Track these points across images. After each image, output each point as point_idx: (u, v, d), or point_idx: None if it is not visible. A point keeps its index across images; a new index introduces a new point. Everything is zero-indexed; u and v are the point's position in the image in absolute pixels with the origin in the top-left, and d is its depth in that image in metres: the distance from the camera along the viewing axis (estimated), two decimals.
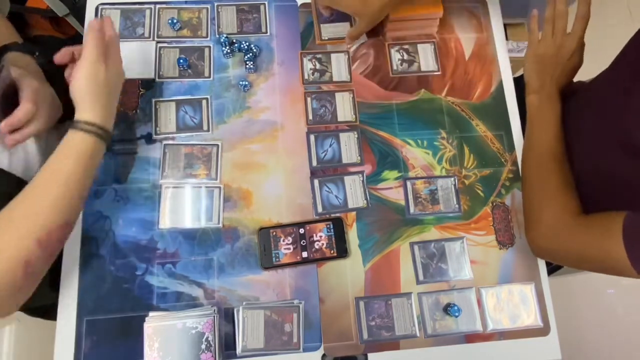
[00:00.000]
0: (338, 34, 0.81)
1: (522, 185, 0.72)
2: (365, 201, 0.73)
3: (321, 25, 0.81)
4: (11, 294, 0.53)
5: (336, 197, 0.72)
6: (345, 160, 0.74)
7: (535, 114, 0.73)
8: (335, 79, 0.78)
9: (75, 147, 0.58)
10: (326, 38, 0.80)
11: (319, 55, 0.80)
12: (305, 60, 0.79)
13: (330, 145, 0.75)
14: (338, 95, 0.77)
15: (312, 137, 0.75)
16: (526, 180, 0.71)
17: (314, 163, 0.74)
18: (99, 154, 0.60)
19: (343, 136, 0.76)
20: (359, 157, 0.75)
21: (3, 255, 0.51)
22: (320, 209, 0.72)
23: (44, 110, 0.63)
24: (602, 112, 0.67)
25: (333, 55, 0.80)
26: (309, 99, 0.77)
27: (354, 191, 0.73)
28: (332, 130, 0.76)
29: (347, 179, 0.73)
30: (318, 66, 0.79)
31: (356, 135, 0.76)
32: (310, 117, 0.76)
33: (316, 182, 0.73)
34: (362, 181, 0.73)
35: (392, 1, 0.70)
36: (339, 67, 0.79)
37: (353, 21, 0.80)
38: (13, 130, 0.60)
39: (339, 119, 0.76)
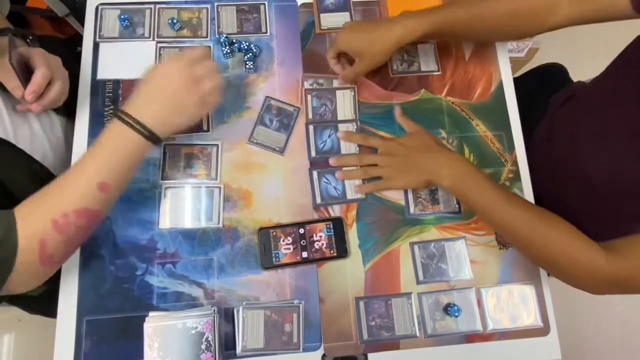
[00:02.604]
0: (338, 23, 0.81)
1: (528, 253, 0.65)
2: (364, 194, 0.73)
3: (321, 15, 0.81)
4: (28, 272, 0.54)
5: (335, 188, 0.73)
6: (344, 151, 0.75)
7: (487, 199, 0.65)
8: (340, 117, 0.77)
9: (109, 134, 0.57)
10: (325, 27, 0.81)
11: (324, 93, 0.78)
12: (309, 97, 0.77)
13: (329, 136, 0.75)
14: (339, 93, 0.77)
15: (310, 128, 0.75)
16: (529, 247, 0.64)
17: (313, 154, 0.74)
18: (133, 149, 0.58)
19: (342, 127, 0.76)
20: (357, 149, 0.75)
21: (22, 231, 0.52)
22: (318, 200, 0.72)
23: (58, 73, 0.65)
24: (610, 109, 0.67)
25: (339, 93, 0.78)
26: (309, 97, 0.77)
27: (353, 182, 0.73)
28: (331, 121, 0.76)
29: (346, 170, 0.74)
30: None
31: (355, 127, 0.76)
32: (310, 116, 0.76)
33: (315, 173, 0.73)
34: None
35: (395, 45, 0.68)
36: (344, 104, 0.77)
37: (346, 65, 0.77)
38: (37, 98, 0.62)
39: (339, 118, 0.76)
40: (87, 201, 0.55)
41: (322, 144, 0.75)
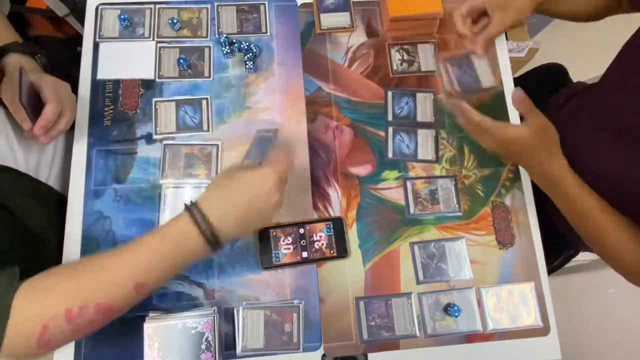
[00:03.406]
0: (337, 23, 0.81)
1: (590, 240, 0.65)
2: (434, 155, 0.75)
3: (321, 15, 0.81)
4: (22, 353, 0.48)
5: (407, 146, 0.75)
6: (420, 118, 0.77)
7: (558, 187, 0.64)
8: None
9: (172, 231, 0.52)
10: (325, 27, 0.81)
11: None
12: None
13: (407, 103, 0.77)
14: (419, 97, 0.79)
15: (389, 93, 0.78)
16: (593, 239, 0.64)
17: (390, 117, 0.77)
18: (189, 254, 0.53)
19: (420, 96, 0.78)
20: (433, 117, 0.77)
21: (28, 311, 0.46)
22: (390, 155, 0.75)
23: (67, 103, 0.64)
24: (610, 109, 0.67)
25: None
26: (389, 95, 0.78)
27: (425, 143, 0.76)
28: (409, 89, 0.79)
29: (420, 132, 0.77)
30: None
31: (432, 97, 0.78)
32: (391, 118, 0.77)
33: (390, 129, 0.76)
34: (434, 136, 0.76)
35: (534, 3, 0.67)
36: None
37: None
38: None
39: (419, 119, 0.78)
40: (115, 299, 0.49)
41: (399, 110, 0.77)
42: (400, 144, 0.75)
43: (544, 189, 0.66)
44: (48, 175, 0.70)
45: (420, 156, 0.75)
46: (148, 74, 0.76)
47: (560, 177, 0.62)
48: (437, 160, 0.75)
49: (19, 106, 0.59)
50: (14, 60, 0.64)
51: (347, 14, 0.81)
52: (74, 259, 0.66)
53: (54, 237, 0.67)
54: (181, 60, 0.75)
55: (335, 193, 0.73)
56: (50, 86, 0.62)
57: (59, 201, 0.70)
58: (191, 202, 0.54)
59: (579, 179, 0.62)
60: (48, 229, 0.66)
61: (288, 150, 0.59)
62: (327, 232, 0.70)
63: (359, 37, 0.82)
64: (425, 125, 0.77)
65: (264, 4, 0.82)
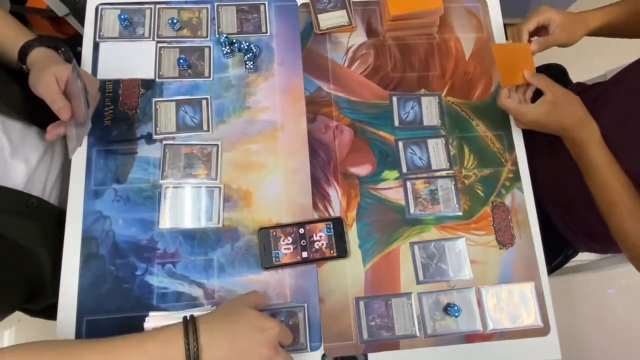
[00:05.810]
0: (336, 22, 0.81)
1: (608, 218, 0.68)
2: (448, 164, 0.75)
3: (318, 15, 0.81)
4: None
5: (420, 158, 0.75)
6: (426, 122, 0.77)
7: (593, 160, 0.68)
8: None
9: (157, 342, 0.49)
10: (325, 28, 0.81)
11: None
12: None
13: (412, 108, 0.77)
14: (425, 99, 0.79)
15: (394, 99, 0.78)
16: (613, 213, 0.67)
17: (396, 123, 0.77)
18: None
19: (425, 100, 0.78)
20: (439, 121, 0.77)
21: None
22: (404, 170, 0.75)
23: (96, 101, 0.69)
24: (612, 111, 0.67)
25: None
26: (394, 98, 0.78)
27: (437, 153, 0.75)
28: (414, 94, 0.79)
29: (430, 142, 0.76)
30: None
31: (437, 100, 0.78)
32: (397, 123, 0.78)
33: (400, 143, 0.76)
34: (444, 144, 0.76)
35: (587, 31, 0.73)
36: None
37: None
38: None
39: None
40: None
41: (405, 115, 0.77)
42: (413, 156, 0.75)
43: (574, 156, 0.70)
44: (43, 188, 0.69)
45: (434, 166, 0.75)
46: (148, 74, 0.76)
47: (587, 143, 0.67)
48: (451, 167, 0.75)
49: (60, 96, 0.59)
50: (38, 54, 0.64)
51: (344, 11, 0.81)
52: (73, 259, 0.66)
53: (46, 252, 0.66)
54: (181, 60, 0.75)
55: (335, 193, 0.73)
56: (96, 85, 0.65)
57: (58, 214, 0.68)
58: (193, 318, 0.52)
59: (606, 150, 0.66)
60: (40, 245, 0.65)
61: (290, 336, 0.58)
62: (327, 232, 0.70)
63: (359, 37, 0.82)
64: (433, 135, 0.77)
65: (264, 4, 0.82)
